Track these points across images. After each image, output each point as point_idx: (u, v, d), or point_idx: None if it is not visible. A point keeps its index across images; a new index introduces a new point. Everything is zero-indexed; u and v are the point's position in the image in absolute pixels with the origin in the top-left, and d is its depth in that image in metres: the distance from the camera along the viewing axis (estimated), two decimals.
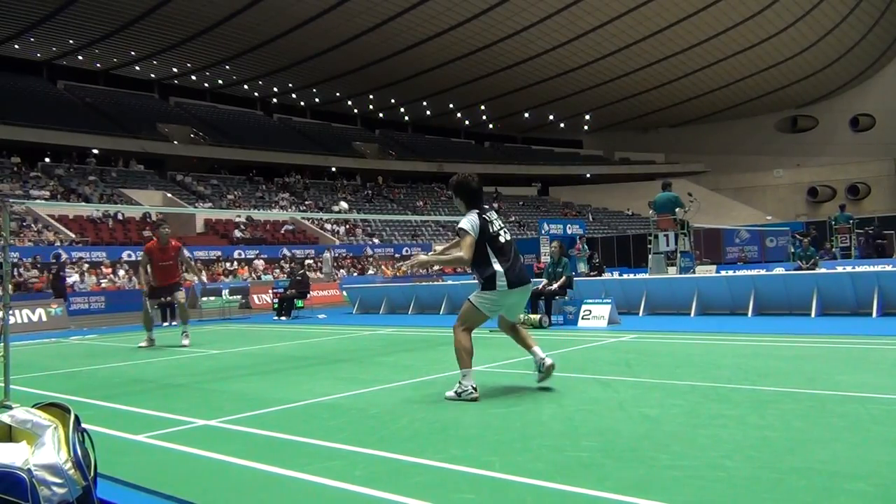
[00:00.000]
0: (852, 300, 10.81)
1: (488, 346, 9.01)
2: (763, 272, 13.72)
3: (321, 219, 38.89)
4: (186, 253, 12.10)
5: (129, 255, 27.89)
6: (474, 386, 5.24)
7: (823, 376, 5.75)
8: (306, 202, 42.22)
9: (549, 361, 5.56)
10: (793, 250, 18.18)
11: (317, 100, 54.98)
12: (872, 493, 2.92)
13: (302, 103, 55.82)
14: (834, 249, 22.19)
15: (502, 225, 5.56)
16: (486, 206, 5.56)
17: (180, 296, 11.24)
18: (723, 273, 15.35)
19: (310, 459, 3.79)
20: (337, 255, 34.49)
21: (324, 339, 11.39)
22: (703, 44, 44.37)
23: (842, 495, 2.90)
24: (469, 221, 5.34)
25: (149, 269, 10.99)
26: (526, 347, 5.69)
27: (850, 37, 46.04)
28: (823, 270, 13.67)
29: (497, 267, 5.33)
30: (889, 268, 12.56)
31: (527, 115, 58.41)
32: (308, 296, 17.99)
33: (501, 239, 5.43)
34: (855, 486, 3.00)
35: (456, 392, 5.26)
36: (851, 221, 22.20)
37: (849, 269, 13.67)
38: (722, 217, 42.47)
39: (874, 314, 10.32)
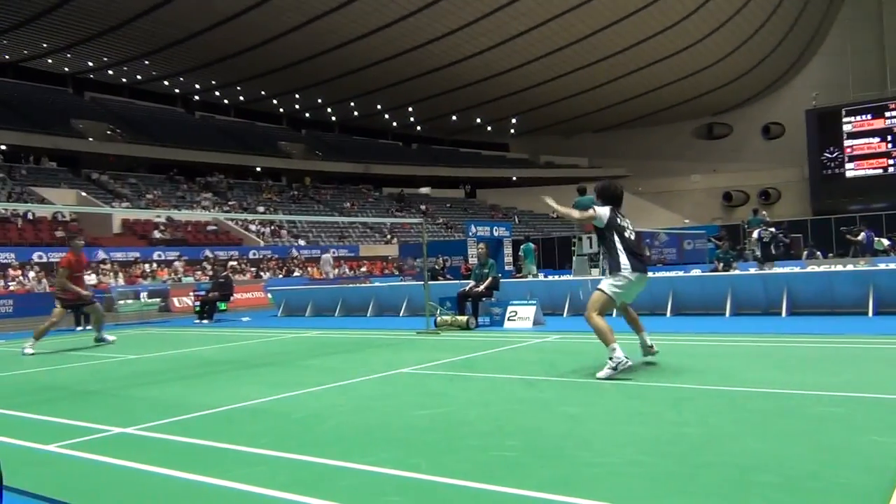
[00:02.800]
0: (763, 300, 11.33)
1: (414, 349, 9.03)
2: (681, 273, 14.15)
3: (245, 220, 38.07)
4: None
5: (40, 257, 26.63)
6: (626, 355, 5.72)
7: (736, 373, 6.01)
8: (230, 203, 41.28)
9: (654, 349, 6.49)
10: (719, 253, 18.75)
11: (241, 98, 53.71)
12: (780, 484, 3.06)
13: (225, 101, 54.42)
14: (746, 252, 23.09)
15: (630, 225, 6.40)
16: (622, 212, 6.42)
17: (98, 305, 11.68)
18: None
19: (232, 466, 3.71)
20: (263, 256, 33.82)
21: (247, 342, 11.15)
22: (625, 51, 45.56)
23: (752, 487, 3.03)
24: (600, 208, 6.27)
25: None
26: (636, 330, 6.46)
27: (762, 49, 48.26)
28: (738, 272, 14.23)
29: (623, 256, 6.09)
30: (796, 269, 13.22)
31: (454, 117, 58.67)
32: (231, 298, 17.60)
33: (627, 233, 6.25)
34: (764, 478, 3.14)
35: (610, 368, 5.67)
36: (763, 224, 23.11)
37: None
38: (643, 220, 43.62)
39: (783, 314, 10.84)
